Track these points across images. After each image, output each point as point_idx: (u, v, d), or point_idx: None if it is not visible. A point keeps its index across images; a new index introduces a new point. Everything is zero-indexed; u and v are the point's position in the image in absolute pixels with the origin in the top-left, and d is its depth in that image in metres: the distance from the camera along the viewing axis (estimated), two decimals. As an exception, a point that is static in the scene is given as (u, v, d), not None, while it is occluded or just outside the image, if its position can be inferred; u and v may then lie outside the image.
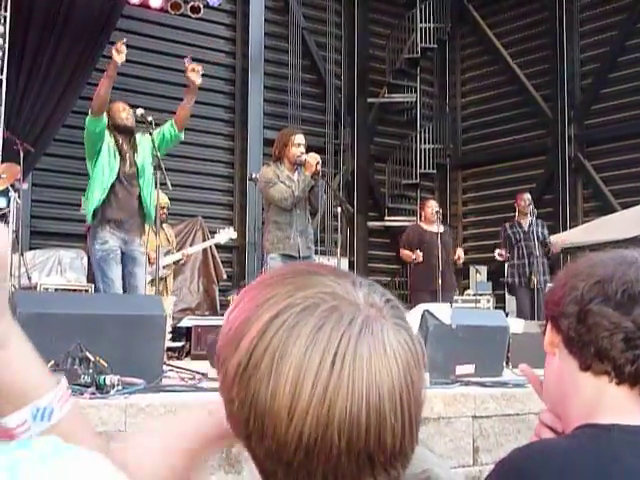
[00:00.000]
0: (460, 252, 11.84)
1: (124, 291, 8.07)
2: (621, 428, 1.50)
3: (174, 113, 15.67)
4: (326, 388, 0.97)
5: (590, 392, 1.55)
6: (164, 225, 10.70)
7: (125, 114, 8.08)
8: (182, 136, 8.42)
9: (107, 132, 7.98)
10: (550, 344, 1.61)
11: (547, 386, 1.65)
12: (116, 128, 8.03)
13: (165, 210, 10.63)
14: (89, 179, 8.08)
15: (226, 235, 11.41)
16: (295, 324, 1.00)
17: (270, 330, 1.01)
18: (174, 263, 11.20)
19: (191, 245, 13.19)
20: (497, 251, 12.38)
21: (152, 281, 8.77)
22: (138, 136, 8.22)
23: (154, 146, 7.95)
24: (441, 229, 11.52)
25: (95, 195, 7.90)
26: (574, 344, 1.55)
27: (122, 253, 8.02)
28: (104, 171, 7.90)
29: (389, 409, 0.99)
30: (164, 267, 10.23)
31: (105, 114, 7.88)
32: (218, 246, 13.72)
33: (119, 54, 7.82)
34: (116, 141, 8.01)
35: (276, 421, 0.98)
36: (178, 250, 11.43)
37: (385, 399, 0.98)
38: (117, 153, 7.97)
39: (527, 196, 12.44)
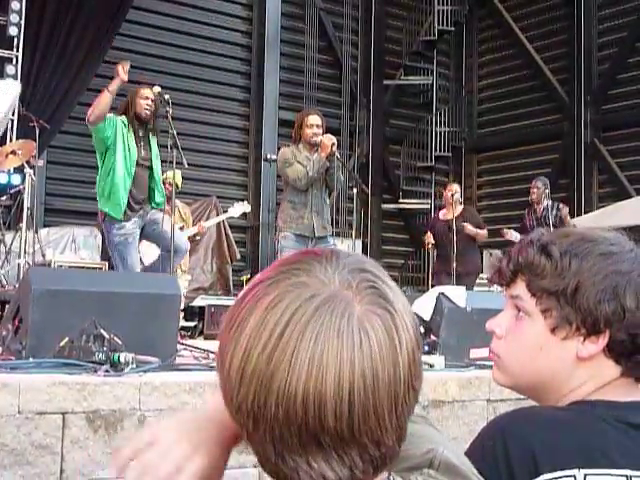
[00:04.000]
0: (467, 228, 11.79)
1: (155, 242, 8.22)
2: (606, 403, 1.54)
3: (190, 92, 15.72)
4: (270, 357, 0.98)
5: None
6: (178, 203, 10.62)
7: (146, 103, 8.00)
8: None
9: (121, 121, 7.91)
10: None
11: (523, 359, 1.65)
12: (135, 116, 7.98)
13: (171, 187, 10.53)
14: (100, 170, 7.98)
15: (240, 209, 11.26)
16: (262, 295, 1.02)
17: (244, 302, 1.04)
18: (189, 239, 11.15)
19: (205, 222, 13.18)
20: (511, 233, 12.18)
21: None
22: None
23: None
24: (456, 212, 11.47)
25: (120, 194, 7.81)
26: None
27: (141, 227, 8.01)
28: (121, 168, 7.83)
29: (332, 392, 0.97)
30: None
31: (104, 121, 7.78)
32: (232, 226, 13.72)
33: (125, 73, 7.69)
34: (132, 128, 7.95)
35: (232, 384, 1.02)
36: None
37: (327, 381, 0.97)
38: (132, 143, 7.91)
39: (540, 182, 12.31)
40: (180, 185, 10.50)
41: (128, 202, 7.86)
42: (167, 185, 8.92)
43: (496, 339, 1.70)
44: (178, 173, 9.96)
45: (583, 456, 1.45)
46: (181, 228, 10.52)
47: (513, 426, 1.51)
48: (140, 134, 8.02)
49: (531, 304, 1.60)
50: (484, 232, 11.71)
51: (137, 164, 7.93)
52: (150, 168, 8.09)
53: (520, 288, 1.63)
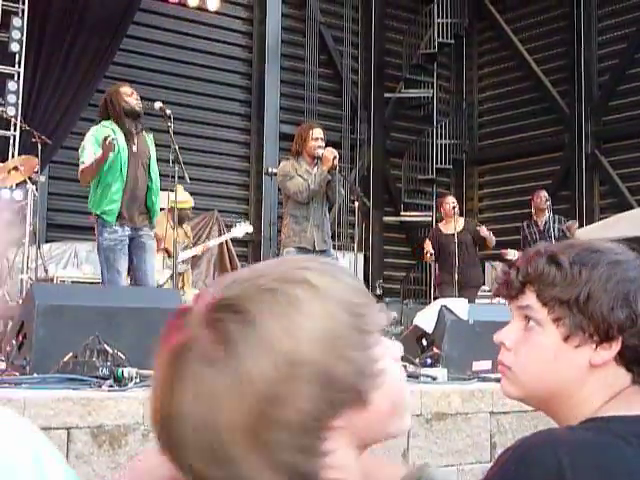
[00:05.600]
0: (484, 231, 11.69)
1: (133, 278, 7.98)
2: (621, 419, 1.53)
3: (191, 107, 15.74)
4: None
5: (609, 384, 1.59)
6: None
7: (131, 99, 7.86)
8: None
9: (108, 124, 7.79)
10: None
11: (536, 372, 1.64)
12: (125, 113, 7.84)
13: (189, 211, 10.64)
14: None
15: (243, 229, 11.29)
16: None
17: None
18: (193, 258, 11.15)
19: (207, 238, 13.20)
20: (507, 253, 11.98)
21: (172, 276, 8.67)
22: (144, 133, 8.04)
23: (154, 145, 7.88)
24: (459, 227, 11.48)
25: (112, 195, 7.69)
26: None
27: (130, 240, 7.84)
28: (112, 169, 7.72)
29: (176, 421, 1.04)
30: (183, 262, 10.18)
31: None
32: (234, 240, 13.72)
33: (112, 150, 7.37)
34: (121, 127, 7.80)
35: None
36: (195, 245, 11.37)
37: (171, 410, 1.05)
38: (122, 142, 7.75)
39: (543, 194, 12.32)
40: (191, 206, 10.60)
41: (122, 203, 7.71)
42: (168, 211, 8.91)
43: (505, 351, 1.68)
44: (188, 197, 10.06)
45: (605, 478, 1.43)
46: (185, 247, 10.54)
47: (535, 451, 1.48)
48: (133, 131, 7.81)
49: (542, 314, 1.60)
50: (493, 237, 11.66)
51: (130, 162, 7.77)
52: (148, 166, 7.91)
53: (530, 298, 1.63)
